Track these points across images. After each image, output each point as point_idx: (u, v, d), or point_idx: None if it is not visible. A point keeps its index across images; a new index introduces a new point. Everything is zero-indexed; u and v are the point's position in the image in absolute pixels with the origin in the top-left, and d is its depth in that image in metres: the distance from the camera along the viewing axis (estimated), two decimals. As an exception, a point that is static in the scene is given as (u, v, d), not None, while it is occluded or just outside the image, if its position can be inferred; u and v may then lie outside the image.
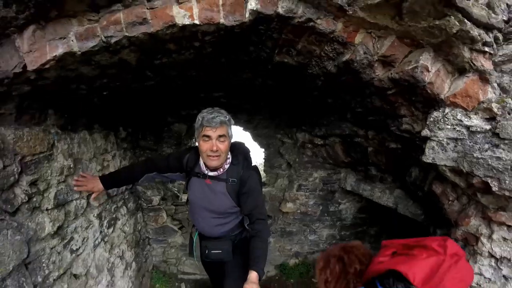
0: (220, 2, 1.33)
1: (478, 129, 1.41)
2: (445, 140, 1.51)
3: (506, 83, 1.47)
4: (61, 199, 1.54)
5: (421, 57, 1.47)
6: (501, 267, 1.60)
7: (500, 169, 1.34)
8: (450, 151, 1.50)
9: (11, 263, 1.16)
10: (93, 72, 1.43)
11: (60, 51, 1.17)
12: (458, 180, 1.54)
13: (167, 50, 1.53)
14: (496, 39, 1.48)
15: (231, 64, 2.04)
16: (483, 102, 1.42)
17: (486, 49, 1.43)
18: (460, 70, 1.48)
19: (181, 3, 1.29)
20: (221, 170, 1.78)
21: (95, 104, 1.80)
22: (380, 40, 1.54)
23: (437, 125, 1.52)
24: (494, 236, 1.57)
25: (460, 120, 1.45)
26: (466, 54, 1.39)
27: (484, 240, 1.61)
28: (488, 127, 1.39)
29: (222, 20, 1.34)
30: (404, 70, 1.52)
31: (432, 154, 1.57)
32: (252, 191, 1.80)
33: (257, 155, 4.67)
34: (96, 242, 1.88)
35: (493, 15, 1.41)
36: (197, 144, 1.76)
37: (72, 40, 1.19)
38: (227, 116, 1.70)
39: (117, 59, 1.41)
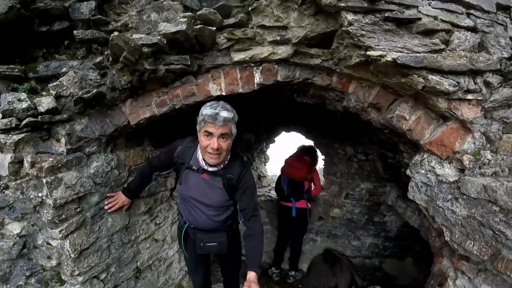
0: (238, 77, 1.78)
1: (444, 179, 1.40)
2: (419, 183, 1.54)
3: (493, 132, 1.32)
4: (152, 190, 2.32)
5: (398, 107, 1.55)
6: (463, 314, 1.40)
7: (453, 222, 1.34)
8: (423, 194, 1.53)
9: (118, 226, 1.99)
10: (168, 118, 2.02)
11: (147, 114, 1.84)
12: (431, 220, 1.54)
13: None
14: (488, 83, 1.35)
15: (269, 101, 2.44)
16: (458, 153, 1.37)
17: (470, 96, 1.33)
18: (443, 117, 1.46)
19: (215, 79, 1.80)
20: (221, 165, 1.69)
21: (174, 130, 2.51)
22: (369, 90, 1.69)
23: (415, 168, 1.56)
24: (458, 282, 1.46)
25: (433, 168, 1.45)
26: (442, 105, 1.37)
27: (450, 282, 1.51)
28: (455, 179, 1.36)
29: (240, 90, 1.80)
30: (386, 117, 1.63)
31: (412, 192, 1.61)
32: (249, 187, 1.73)
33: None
34: (174, 220, 2.66)
35: (481, 58, 1.31)
36: (198, 138, 1.63)
37: (154, 107, 1.84)
38: (232, 113, 1.54)
39: (182, 113, 1.97)
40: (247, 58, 1.69)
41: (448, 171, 1.40)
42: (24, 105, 1.54)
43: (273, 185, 4.30)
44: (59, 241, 1.65)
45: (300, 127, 4.21)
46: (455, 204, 1.34)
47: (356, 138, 3.03)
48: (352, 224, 3.73)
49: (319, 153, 4.29)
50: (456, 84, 1.29)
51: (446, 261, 1.53)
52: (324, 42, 1.58)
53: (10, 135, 1.54)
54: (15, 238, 1.66)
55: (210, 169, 1.69)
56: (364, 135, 2.61)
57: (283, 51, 1.63)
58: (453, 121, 1.40)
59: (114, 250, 1.97)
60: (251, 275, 1.58)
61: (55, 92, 1.59)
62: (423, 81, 1.29)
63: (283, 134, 4.85)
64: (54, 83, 1.59)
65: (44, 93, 1.65)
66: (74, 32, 1.60)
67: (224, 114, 1.49)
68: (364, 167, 3.39)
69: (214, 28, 1.56)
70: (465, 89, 1.30)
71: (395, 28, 1.31)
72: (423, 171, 1.50)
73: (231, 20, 1.62)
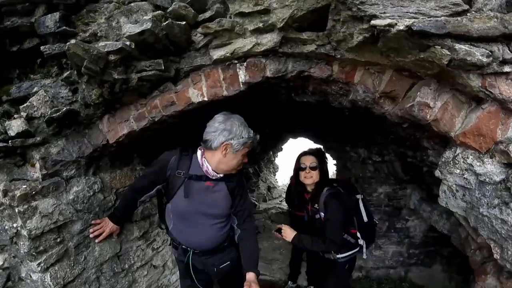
0: (221, 78, 1.49)
1: (487, 179, 1.01)
2: (454, 186, 1.15)
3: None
4: (146, 213, 2.05)
5: (418, 93, 1.19)
6: None
7: (504, 235, 0.94)
8: (460, 200, 1.13)
9: (107, 254, 1.72)
10: (152, 133, 1.77)
11: (126, 130, 1.58)
12: (471, 231, 1.14)
13: (200, 110, 1.66)
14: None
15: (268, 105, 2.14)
16: (501, 143, 0.99)
17: (507, 68, 0.97)
18: (476, 99, 1.09)
19: (195, 83, 1.52)
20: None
21: (165, 145, 2.20)
22: (379, 76, 1.35)
23: (447, 168, 1.18)
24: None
25: (471, 165, 1.06)
26: (475, 82, 1.00)
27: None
28: (502, 177, 0.98)
29: (225, 93, 1.50)
30: (404, 108, 1.27)
31: (445, 199, 1.22)
32: (244, 191, 1.69)
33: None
34: (175, 242, 2.37)
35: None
36: (223, 153, 1.47)
37: (132, 122, 1.59)
38: None
39: (165, 125, 1.70)
40: (228, 54, 1.40)
41: (491, 168, 1.01)
42: (-7, 130, 1.35)
43: (284, 195, 3.93)
44: (39, 274, 1.42)
45: (307, 131, 3.86)
46: (505, 211, 0.95)
47: (370, 138, 2.62)
48: (372, 232, 3.26)
49: (329, 157, 3.90)
50: (490, 53, 0.92)
51: (491, 280, 1.12)
52: (318, 23, 1.26)
53: (-18, 163, 1.35)
54: (-2, 270, 1.45)
55: (220, 175, 1.57)
56: (379, 133, 2.22)
57: (269, 39, 1.33)
58: (490, 103, 1.03)
59: (104, 281, 1.70)
60: (251, 275, 1.50)
61: (26, 113, 1.39)
62: (449, 52, 0.93)
63: (291, 141, 4.49)
64: (25, 105, 1.39)
65: (16, 115, 1.45)
66: (41, 47, 1.40)
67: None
68: (380, 170, 2.96)
69: (184, 23, 1.30)
70: (501, 59, 0.94)
71: (403, -10, 0.98)
72: (458, 171, 1.11)
73: (207, 14, 1.36)
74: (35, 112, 1.38)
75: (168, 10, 1.35)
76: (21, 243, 1.39)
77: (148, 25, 1.24)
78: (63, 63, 1.44)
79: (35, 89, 1.42)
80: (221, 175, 1.56)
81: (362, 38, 1.09)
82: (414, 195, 2.76)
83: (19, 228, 1.37)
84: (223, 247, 1.68)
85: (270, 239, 3.76)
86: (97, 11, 1.46)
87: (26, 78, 1.52)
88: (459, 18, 0.89)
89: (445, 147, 1.27)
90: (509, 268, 0.95)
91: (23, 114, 1.38)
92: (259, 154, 4.22)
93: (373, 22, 0.93)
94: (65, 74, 1.37)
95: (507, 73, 0.98)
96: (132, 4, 1.42)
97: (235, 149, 1.48)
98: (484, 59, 0.92)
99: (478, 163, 1.05)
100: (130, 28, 1.26)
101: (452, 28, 0.88)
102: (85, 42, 1.42)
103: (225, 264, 1.68)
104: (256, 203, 4.25)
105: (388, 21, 0.91)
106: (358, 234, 1.95)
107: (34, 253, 1.38)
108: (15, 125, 1.36)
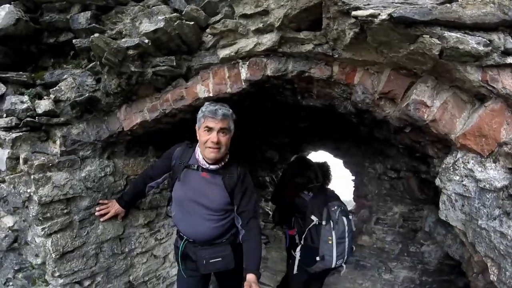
0: (226, 76, 1.55)
1: (488, 185, 0.87)
2: (453, 195, 1.01)
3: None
4: (154, 204, 2.10)
5: (414, 91, 1.11)
6: None
7: (502, 252, 0.80)
8: (459, 211, 0.99)
9: (109, 234, 1.78)
10: (167, 126, 1.86)
11: (139, 120, 1.69)
12: (471, 249, 0.97)
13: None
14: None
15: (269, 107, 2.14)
16: (505, 144, 0.87)
17: (510, 60, 0.86)
18: (479, 97, 0.98)
19: (204, 80, 1.60)
20: (222, 163, 1.58)
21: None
22: (378, 76, 1.30)
23: (446, 175, 1.05)
24: None
25: (471, 171, 0.94)
26: (474, 76, 0.91)
27: None
28: (504, 183, 0.84)
29: (228, 90, 1.56)
30: (401, 108, 1.18)
31: (444, 210, 1.08)
32: (248, 188, 1.61)
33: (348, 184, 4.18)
34: (179, 237, 2.36)
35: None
36: (198, 136, 1.56)
37: (146, 112, 1.69)
38: (230, 110, 1.51)
39: (177, 119, 1.79)
40: (232, 54, 1.46)
41: (493, 174, 0.88)
42: (24, 106, 1.53)
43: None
44: (42, 238, 1.52)
45: (326, 144, 3.73)
46: (506, 223, 0.81)
47: (384, 149, 2.46)
48: (383, 254, 2.95)
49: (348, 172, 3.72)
50: (487, 42, 0.83)
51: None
52: (316, 23, 1.27)
53: (10, 133, 1.52)
54: (8, 231, 1.59)
55: (212, 167, 1.56)
56: (391, 144, 2.07)
57: (268, 39, 1.36)
58: (493, 100, 0.91)
59: (103, 259, 1.75)
60: (251, 276, 1.42)
61: (54, 96, 1.55)
62: (439, 41, 0.86)
63: (311, 153, 4.37)
64: (54, 88, 1.56)
65: (45, 97, 1.63)
66: (73, 41, 1.58)
67: (223, 109, 1.47)
68: (396, 187, 2.73)
69: (193, 23, 1.39)
70: (502, 49, 0.84)
71: (389, -21, 0.95)
72: (458, 178, 0.99)
73: (218, 17, 1.45)
74: (62, 96, 1.54)
75: (183, 13, 1.46)
76: (31, 207, 1.51)
77: (161, 24, 1.35)
78: (91, 56, 1.60)
79: (65, 76, 1.59)
80: (213, 167, 1.55)
81: (353, 33, 1.07)
82: (430, 217, 2.48)
83: (31, 194, 1.49)
84: (218, 242, 1.63)
85: (279, 249, 3.60)
86: (124, 12, 1.62)
87: (59, 67, 1.70)
88: (448, 5, 0.83)
89: (448, 153, 1.15)
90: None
91: (52, 96, 1.54)
92: (277, 164, 4.16)
93: (354, 13, 0.91)
94: (90, 65, 1.52)
95: (511, 65, 0.87)
96: (154, 8, 1.56)
97: (198, 126, 1.53)
98: (481, 48, 0.83)
99: (479, 168, 0.93)
100: (146, 27, 1.38)
101: (439, 14, 0.82)
102: (111, 38, 1.58)
103: (215, 260, 1.60)
104: (270, 212, 4.14)
105: (370, 11, 0.88)
106: (298, 247, 2.05)
107: (41, 218, 1.48)
108: (43, 104, 1.52)
